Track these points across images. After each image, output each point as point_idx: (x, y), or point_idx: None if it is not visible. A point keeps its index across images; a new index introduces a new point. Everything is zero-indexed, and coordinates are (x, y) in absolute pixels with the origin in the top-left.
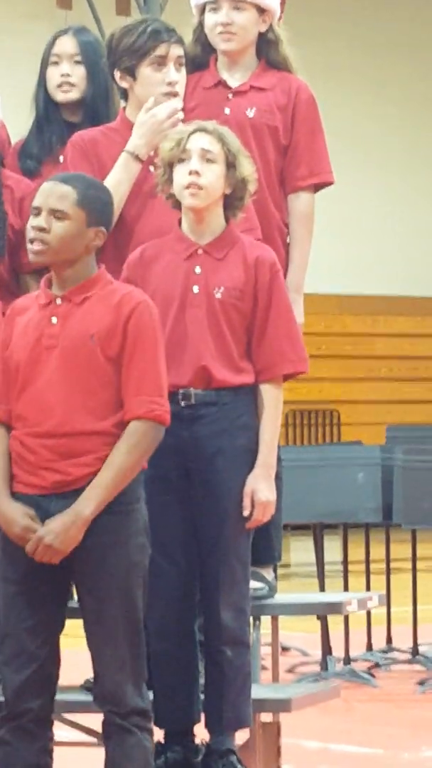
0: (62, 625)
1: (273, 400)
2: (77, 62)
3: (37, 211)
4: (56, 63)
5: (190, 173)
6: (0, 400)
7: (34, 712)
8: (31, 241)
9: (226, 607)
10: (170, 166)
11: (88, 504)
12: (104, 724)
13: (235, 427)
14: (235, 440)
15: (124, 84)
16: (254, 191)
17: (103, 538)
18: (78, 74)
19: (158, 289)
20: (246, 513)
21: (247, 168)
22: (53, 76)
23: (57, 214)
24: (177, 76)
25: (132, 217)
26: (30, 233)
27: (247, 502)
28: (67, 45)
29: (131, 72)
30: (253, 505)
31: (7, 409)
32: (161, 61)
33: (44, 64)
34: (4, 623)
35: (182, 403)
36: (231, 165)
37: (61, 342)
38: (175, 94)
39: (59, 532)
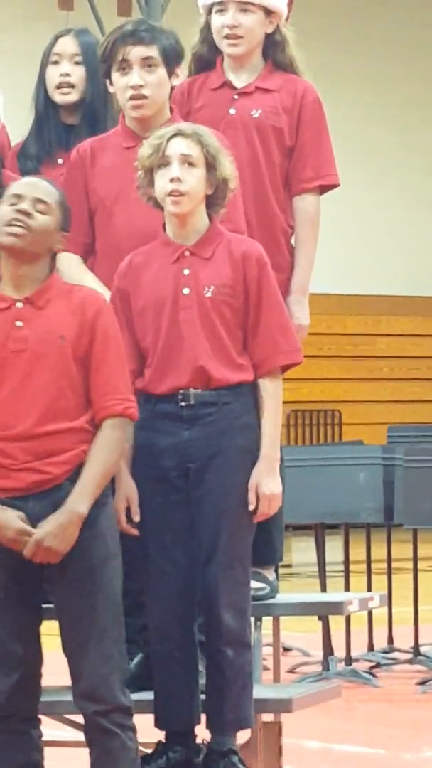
0: (41, 623)
1: (272, 393)
2: (77, 63)
3: (18, 199)
4: (56, 62)
5: (172, 180)
6: None
7: (22, 712)
8: (10, 223)
9: (226, 608)
10: (150, 171)
11: (81, 500)
12: (87, 727)
13: (234, 428)
14: (235, 441)
15: (111, 90)
16: (234, 188)
17: (83, 532)
18: (78, 75)
19: (150, 295)
20: (251, 507)
21: (228, 167)
22: (53, 75)
23: (41, 206)
24: (140, 79)
25: (121, 222)
26: (10, 215)
27: (252, 496)
28: (68, 45)
29: (109, 78)
30: (258, 499)
31: None
32: (125, 65)
33: (44, 63)
34: None
35: (182, 404)
36: (211, 166)
37: (31, 345)
38: (139, 98)
39: (57, 532)
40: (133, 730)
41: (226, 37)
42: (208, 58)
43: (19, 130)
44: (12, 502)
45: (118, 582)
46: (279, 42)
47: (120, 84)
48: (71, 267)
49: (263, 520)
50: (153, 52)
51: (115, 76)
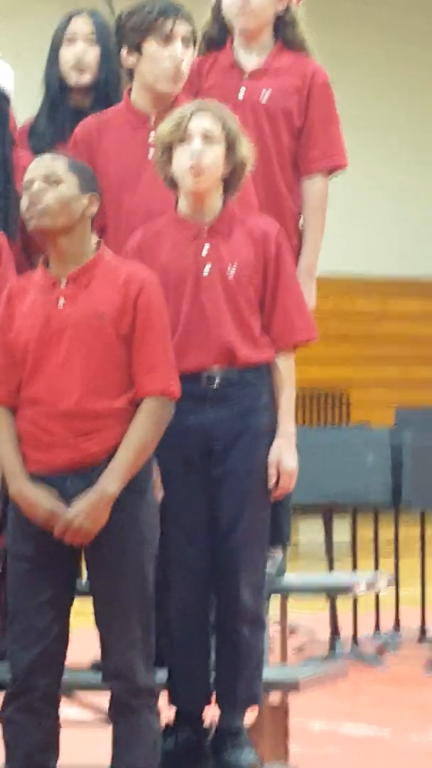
0: (71, 604)
1: (287, 370)
2: (92, 43)
3: (30, 183)
4: (71, 42)
5: (193, 155)
6: (1, 383)
7: (41, 690)
8: (30, 207)
9: (245, 587)
10: (169, 148)
11: (113, 481)
12: (112, 702)
13: (258, 408)
14: (259, 420)
15: (131, 60)
16: (249, 171)
17: (118, 515)
18: (93, 55)
19: (168, 274)
20: (272, 482)
21: (246, 149)
22: (67, 55)
23: (51, 178)
24: (183, 53)
25: (135, 203)
26: (25, 201)
27: (273, 471)
28: (84, 24)
29: (138, 48)
30: (279, 475)
31: (10, 391)
32: (168, 38)
33: (56, 43)
34: (14, 600)
35: (207, 385)
36: (231, 146)
37: (71, 324)
38: (179, 72)
39: (89, 512)
40: (157, 712)
41: (238, 11)
42: (218, 39)
43: (24, 111)
44: (51, 479)
45: (149, 568)
46: (289, 21)
47: (161, 55)
48: None
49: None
50: (191, 30)
51: (153, 46)
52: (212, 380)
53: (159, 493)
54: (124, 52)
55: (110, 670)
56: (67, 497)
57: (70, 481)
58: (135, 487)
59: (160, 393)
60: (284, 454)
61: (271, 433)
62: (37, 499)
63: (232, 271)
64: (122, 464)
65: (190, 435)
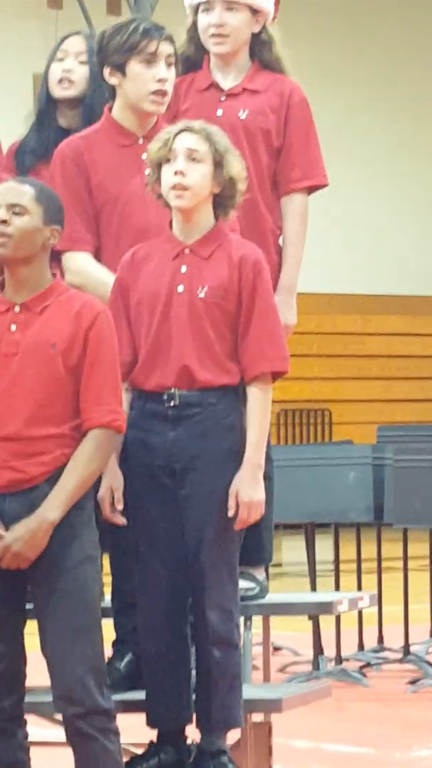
0: (24, 622)
1: (259, 400)
2: (82, 62)
3: None
4: (61, 59)
5: (176, 174)
6: None
7: (6, 711)
8: None
9: (211, 608)
10: (158, 166)
11: (54, 509)
12: (66, 730)
13: (219, 429)
14: (220, 442)
15: (113, 81)
16: (245, 190)
17: (59, 533)
18: (80, 73)
19: (146, 290)
20: (231, 513)
21: (236, 167)
22: (55, 71)
23: (16, 209)
24: (167, 74)
25: (136, 221)
26: None
27: (231, 503)
28: (76, 43)
29: (121, 69)
30: (237, 506)
31: None
32: (151, 59)
33: (50, 61)
34: None
35: (167, 404)
36: (218, 164)
37: (22, 350)
38: (164, 93)
39: (27, 539)
40: (114, 732)
41: (212, 36)
42: (194, 59)
43: (7, 126)
44: None
45: (95, 584)
46: (266, 41)
47: (144, 75)
48: (83, 264)
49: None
50: (173, 50)
51: (138, 66)
52: (172, 399)
53: (119, 505)
54: (106, 71)
55: (59, 693)
56: (6, 517)
57: (8, 501)
58: (75, 505)
59: (106, 425)
60: (244, 485)
61: (235, 455)
62: None
63: (201, 293)
64: (65, 492)
65: (154, 454)
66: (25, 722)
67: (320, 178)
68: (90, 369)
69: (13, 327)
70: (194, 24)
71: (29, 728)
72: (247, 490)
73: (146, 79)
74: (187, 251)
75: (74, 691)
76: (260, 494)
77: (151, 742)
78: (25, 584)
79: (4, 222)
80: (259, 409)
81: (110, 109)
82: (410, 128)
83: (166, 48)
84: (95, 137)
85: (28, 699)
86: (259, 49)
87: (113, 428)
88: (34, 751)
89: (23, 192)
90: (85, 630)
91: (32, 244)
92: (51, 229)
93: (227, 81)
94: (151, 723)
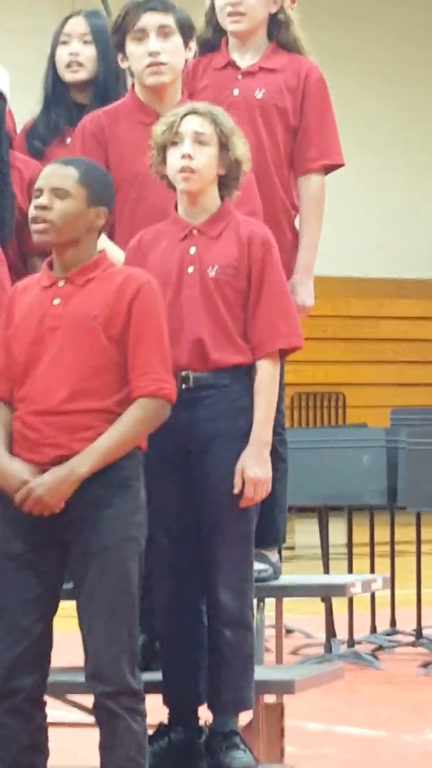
0: (57, 604)
1: (268, 376)
2: (87, 42)
3: (39, 192)
4: (66, 42)
5: (183, 157)
6: (1, 379)
7: (26, 691)
8: (34, 221)
9: (224, 589)
10: (163, 148)
11: (83, 464)
12: (95, 708)
13: (233, 410)
14: (234, 423)
15: (124, 64)
16: (247, 170)
17: (101, 512)
18: (87, 54)
19: (156, 273)
20: (236, 491)
21: (241, 148)
22: (62, 55)
23: (59, 192)
24: (159, 45)
25: (154, 201)
26: (32, 213)
27: (237, 480)
28: (78, 25)
29: (123, 51)
30: (243, 483)
31: (9, 388)
32: (141, 35)
33: (54, 44)
34: (0, 599)
35: (182, 386)
36: (224, 146)
37: (64, 323)
38: (157, 64)
39: (51, 485)
40: (141, 714)
41: (229, 14)
42: (213, 41)
43: (21, 108)
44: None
45: (134, 565)
46: (283, 22)
47: (137, 52)
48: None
49: (266, 502)
50: (168, 20)
51: (131, 45)
52: (186, 381)
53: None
54: (119, 57)
55: (93, 670)
56: None
57: None
58: (117, 483)
59: (152, 394)
60: (249, 462)
61: (248, 436)
62: (12, 471)
63: (212, 272)
64: (97, 451)
65: (167, 435)
66: (44, 704)
67: (337, 157)
68: (136, 340)
69: (57, 301)
70: (212, 7)
71: (51, 710)
72: (254, 468)
73: (139, 56)
74: (195, 232)
75: (105, 670)
76: (267, 472)
77: (161, 723)
78: (65, 561)
79: (46, 208)
80: (268, 386)
81: (133, 86)
82: (425, 110)
83: (154, 19)
84: (118, 113)
85: (51, 679)
86: (277, 30)
87: (161, 396)
88: (55, 733)
89: (67, 175)
90: (119, 610)
91: (75, 228)
92: (96, 211)
93: (244, 60)
94: (165, 701)
